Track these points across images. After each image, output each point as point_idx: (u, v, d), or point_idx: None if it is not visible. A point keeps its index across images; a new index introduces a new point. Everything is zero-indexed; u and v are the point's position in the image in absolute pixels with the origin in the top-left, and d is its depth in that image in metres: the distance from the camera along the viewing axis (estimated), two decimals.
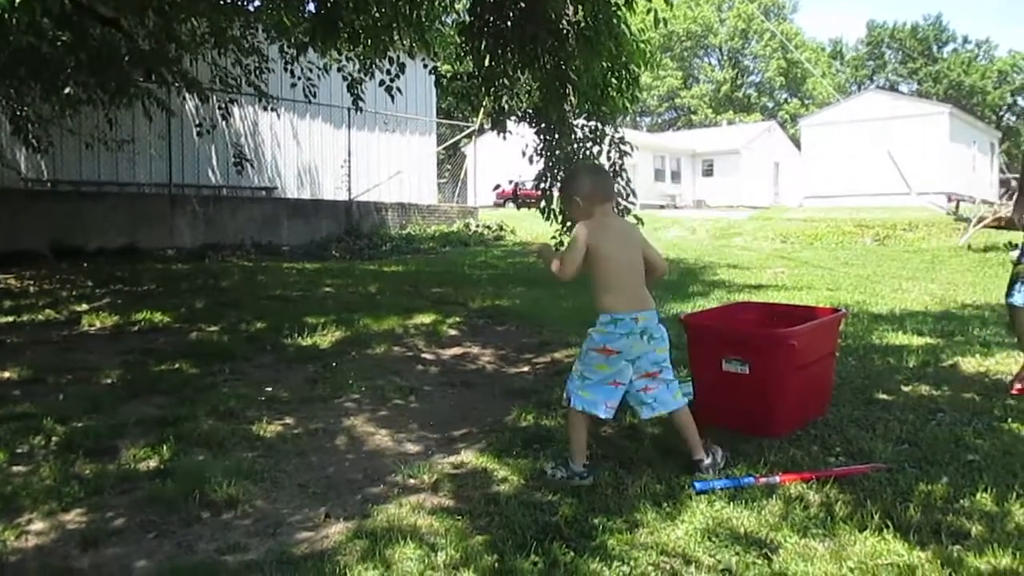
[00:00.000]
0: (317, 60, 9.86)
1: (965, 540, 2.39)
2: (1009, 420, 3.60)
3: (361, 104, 9.67)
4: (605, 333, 2.95)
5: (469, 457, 3.24)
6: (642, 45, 7.79)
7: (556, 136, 8.44)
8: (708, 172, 39.36)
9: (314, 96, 10.37)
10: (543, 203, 8.81)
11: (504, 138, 8.06)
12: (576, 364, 3.08)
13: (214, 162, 13.24)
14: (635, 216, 9.06)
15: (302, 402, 4.06)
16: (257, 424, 3.64)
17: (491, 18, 7.18)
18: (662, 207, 31.00)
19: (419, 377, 4.70)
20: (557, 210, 8.82)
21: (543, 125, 8.47)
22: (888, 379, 4.39)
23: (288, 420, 3.77)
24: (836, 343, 4.02)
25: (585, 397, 2.96)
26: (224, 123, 12.13)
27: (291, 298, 7.33)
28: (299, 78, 9.55)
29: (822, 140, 32.75)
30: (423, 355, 5.25)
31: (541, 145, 8.74)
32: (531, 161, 8.77)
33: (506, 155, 10.95)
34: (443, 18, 9.84)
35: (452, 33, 9.94)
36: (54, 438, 3.38)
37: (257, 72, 10.05)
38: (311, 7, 8.18)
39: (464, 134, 21.28)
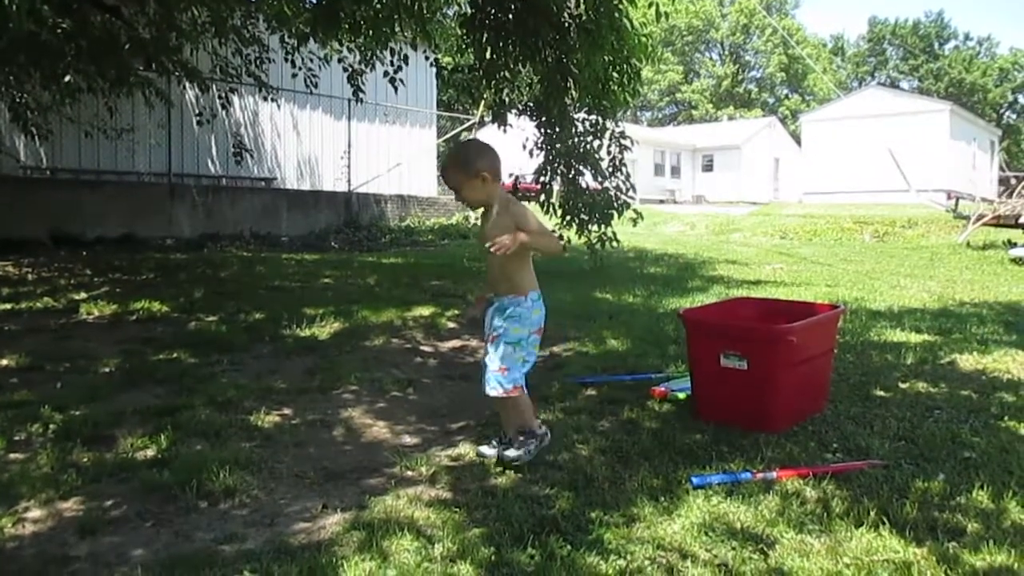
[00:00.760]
0: (318, 51, 9.85)
1: (961, 537, 2.40)
2: (1006, 418, 3.61)
3: (361, 95, 9.67)
4: (540, 312, 3.04)
5: (467, 449, 3.25)
6: (643, 39, 7.78)
7: (557, 130, 8.43)
8: (708, 167, 39.34)
9: (315, 87, 10.35)
10: (543, 197, 8.81)
11: (504, 131, 8.04)
12: (512, 352, 2.97)
13: (214, 152, 13.21)
14: (634, 210, 9.09)
15: (300, 393, 4.06)
16: (255, 415, 3.64)
17: (492, 10, 7.16)
18: (662, 202, 31.03)
19: (417, 369, 4.71)
20: (557, 204, 8.83)
21: (544, 118, 8.46)
22: (886, 376, 4.40)
23: (286, 411, 3.77)
24: (834, 339, 4.03)
25: (520, 375, 3.02)
26: (224, 113, 12.12)
27: (290, 289, 7.33)
28: (300, 68, 9.54)
29: (822, 136, 32.76)
30: (421, 347, 5.25)
31: (541, 139, 8.73)
32: (531, 155, 8.77)
33: (506, 148, 10.95)
34: (444, 10, 9.82)
35: (453, 25, 9.92)
36: (52, 426, 3.38)
37: (257, 62, 10.04)
38: None
39: (464, 127, 21.27)
